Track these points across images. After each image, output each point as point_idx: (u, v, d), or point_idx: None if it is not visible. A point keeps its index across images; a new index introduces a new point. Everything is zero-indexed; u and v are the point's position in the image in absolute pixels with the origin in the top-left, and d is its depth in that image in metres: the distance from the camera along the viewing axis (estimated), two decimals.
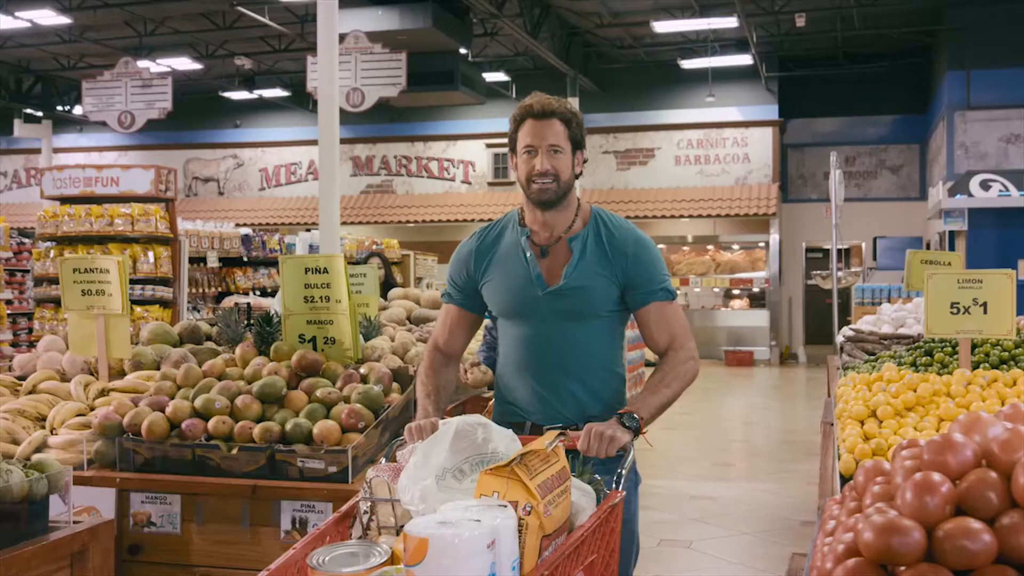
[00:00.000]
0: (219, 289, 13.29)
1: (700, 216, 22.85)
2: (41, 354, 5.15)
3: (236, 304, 6.49)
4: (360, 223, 24.61)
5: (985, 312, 4.28)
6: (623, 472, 2.78)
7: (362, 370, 4.38)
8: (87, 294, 4.95)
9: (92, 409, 4.46)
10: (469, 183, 25.19)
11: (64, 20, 18.23)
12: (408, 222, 24.71)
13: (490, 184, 25.00)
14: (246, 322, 5.06)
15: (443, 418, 2.98)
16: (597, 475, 2.70)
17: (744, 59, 21.16)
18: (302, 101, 24.01)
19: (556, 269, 3.21)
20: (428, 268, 18.67)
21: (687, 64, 21.91)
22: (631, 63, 23.52)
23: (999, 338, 4.45)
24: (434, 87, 18.38)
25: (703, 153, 23.57)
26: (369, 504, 2.62)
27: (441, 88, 18.69)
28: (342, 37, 12.61)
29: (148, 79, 16.08)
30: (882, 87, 22.85)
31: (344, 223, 23.56)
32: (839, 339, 7.33)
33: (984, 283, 4.29)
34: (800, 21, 18.37)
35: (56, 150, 26.27)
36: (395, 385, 4.47)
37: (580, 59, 21.69)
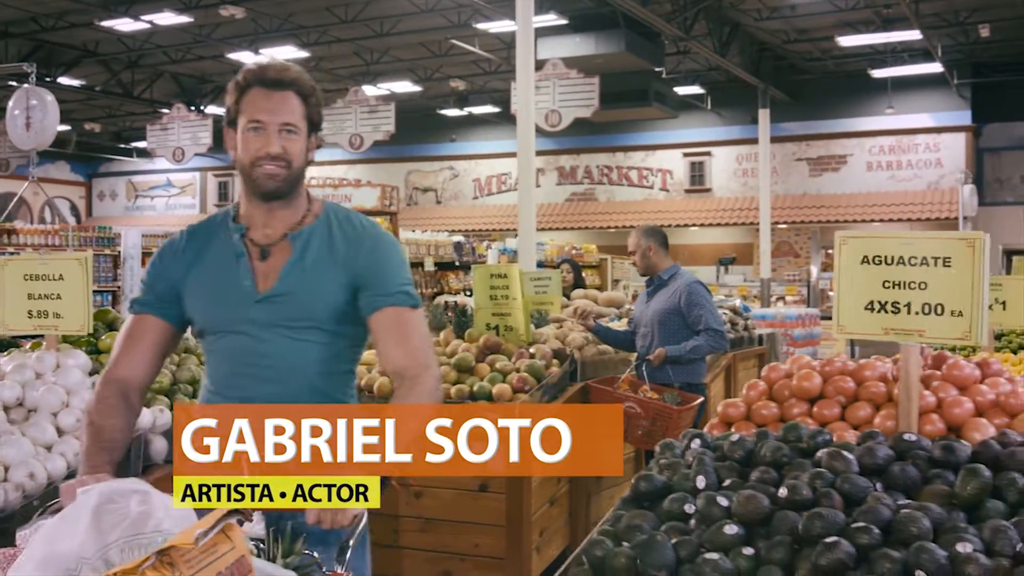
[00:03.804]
0: (435, 290, 15.20)
1: (892, 220, 23.50)
2: None
3: (443, 302, 8.25)
4: (564, 229, 26.39)
5: (1004, 308, 5.53)
6: (351, 544, 2.16)
7: (531, 350, 5.99)
8: None
9: None
10: (667, 190, 26.58)
11: (303, 54, 20.76)
12: (609, 228, 26.32)
13: (687, 191, 26.32)
14: (449, 314, 6.77)
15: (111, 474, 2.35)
16: (315, 552, 2.11)
17: (934, 67, 21.73)
18: (510, 116, 25.83)
19: (273, 272, 2.60)
20: (625, 271, 20.20)
21: (877, 73, 22.66)
22: (821, 74, 24.42)
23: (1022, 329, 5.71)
24: (628, 104, 19.89)
25: (895, 159, 24.24)
26: None
27: (635, 105, 20.17)
28: (542, 64, 14.21)
29: (374, 105, 18.19)
30: None
31: (549, 229, 25.36)
32: None
33: (1003, 286, 5.54)
34: (984, 31, 18.97)
35: None
36: (554, 361, 6.06)
37: (770, 72, 22.76)
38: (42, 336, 4.52)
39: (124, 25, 18.67)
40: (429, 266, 14.96)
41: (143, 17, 18.01)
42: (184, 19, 18.25)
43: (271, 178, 2.54)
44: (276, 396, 2.53)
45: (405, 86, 24.18)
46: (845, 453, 2.41)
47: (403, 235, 14.14)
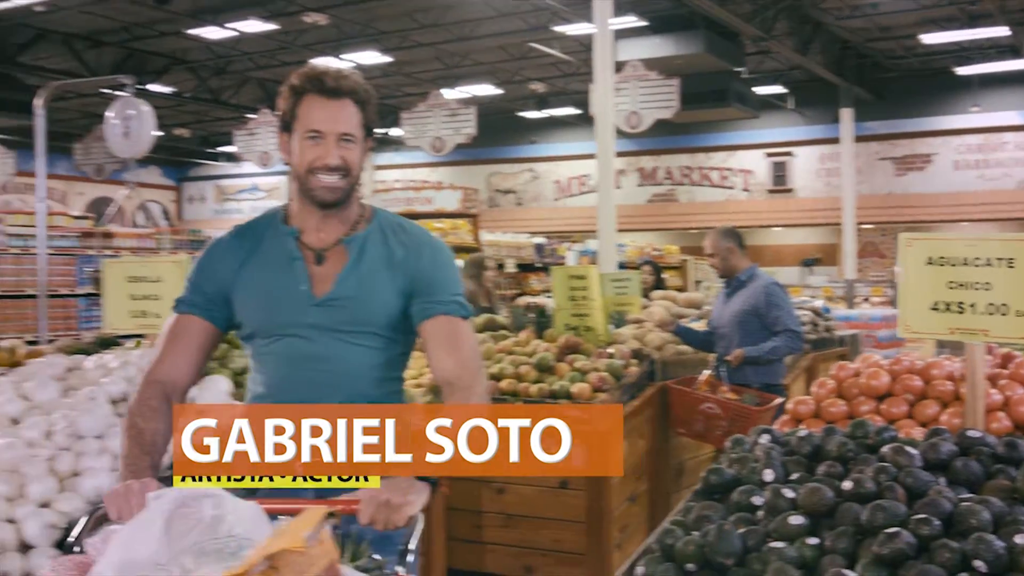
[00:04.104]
0: (517, 291, 15.38)
1: (981, 220, 23.14)
2: None
3: (525, 304, 8.40)
4: (646, 230, 26.39)
5: None
6: (411, 548, 2.16)
7: (610, 350, 6.11)
8: None
9: (421, 375, 6.43)
10: (748, 191, 26.43)
11: (385, 59, 21.09)
12: (690, 228, 26.27)
13: (769, 192, 26.14)
14: (529, 315, 6.91)
15: (158, 480, 2.24)
16: (377, 554, 2.15)
17: (1023, 63, 21.33)
18: (590, 118, 25.87)
19: (329, 276, 2.61)
20: (706, 272, 20.18)
21: (962, 71, 22.29)
22: (905, 71, 24.07)
23: None
24: (709, 105, 19.85)
25: (982, 157, 23.80)
26: None
27: (715, 106, 20.13)
28: (621, 65, 14.30)
29: (455, 109, 18.41)
30: None
31: (631, 230, 25.37)
32: None
33: None
34: None
35: (377, 167, 29.76)
36: (633, 361, 6.17)
37: (853, 70, 22.52)
38: (142, 335, 4.77)
39: (211, 33, 19.15)
40: (510, 268, 15.15)
41: (229, 25, 18.47)
42: (269, 26, 18.67)
43: (331, 191, 2.54)
44: (332, 400, 2.50)
45: (486, 89, 24.41)
46: (908, 448, 2.50)
47: (484, 237, 14.34)
